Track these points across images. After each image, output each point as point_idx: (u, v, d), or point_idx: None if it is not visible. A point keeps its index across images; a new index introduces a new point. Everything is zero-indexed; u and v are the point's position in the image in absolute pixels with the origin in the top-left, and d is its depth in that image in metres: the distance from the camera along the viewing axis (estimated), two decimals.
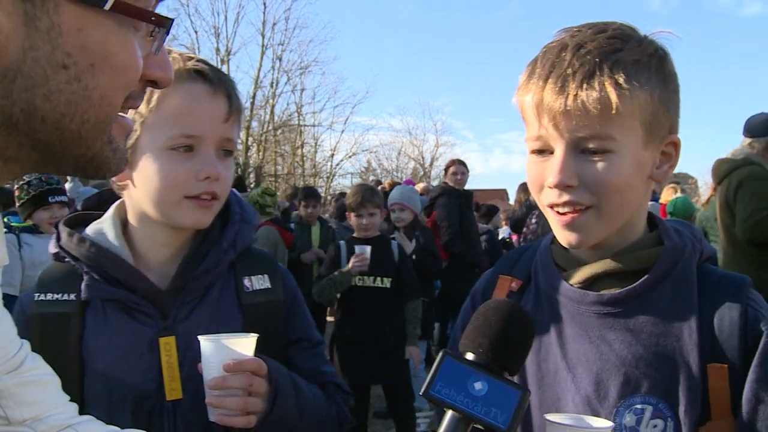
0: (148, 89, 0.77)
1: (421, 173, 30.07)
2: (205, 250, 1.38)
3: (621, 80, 1.00)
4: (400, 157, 31.80)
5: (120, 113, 0.71)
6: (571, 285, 1.13)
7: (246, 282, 1.42)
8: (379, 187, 8.44)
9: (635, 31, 1.09)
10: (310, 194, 6.97)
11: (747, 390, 1.01)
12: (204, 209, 1.31)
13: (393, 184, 7.74)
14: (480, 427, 0.86)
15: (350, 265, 4.27)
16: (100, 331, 1.30)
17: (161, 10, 0.72)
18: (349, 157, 29.30)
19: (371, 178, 26.65)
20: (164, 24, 0.70)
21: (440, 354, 0.88)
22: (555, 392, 1.12)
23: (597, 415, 1.05)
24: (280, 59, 26.38)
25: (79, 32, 0.62)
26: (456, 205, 6.29)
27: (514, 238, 9.09)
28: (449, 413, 0.86)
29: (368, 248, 4.29)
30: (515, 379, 1.01)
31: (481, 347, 0.87)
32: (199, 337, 1.22)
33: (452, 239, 6.15)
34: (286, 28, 26.18)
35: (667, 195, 7.70)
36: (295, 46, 26.93)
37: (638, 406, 1.05)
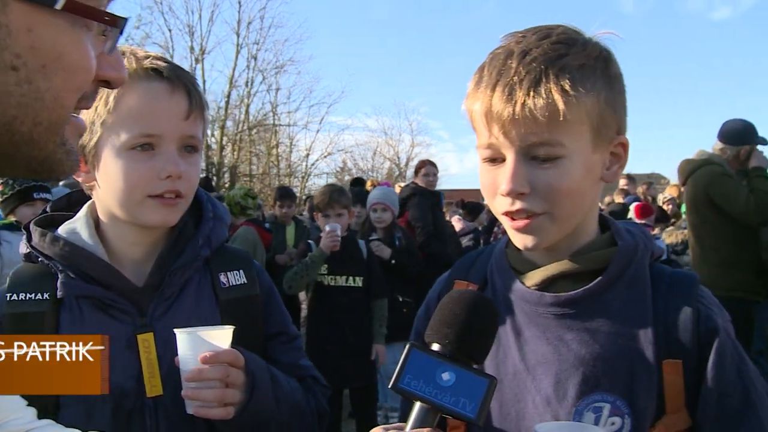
0: (105, 89, 0.75)
1: (397, 173, 30.00)
2: (180, 247, 1.38)
3: (567, 86, 1.01)
4: (375, 157, 31.58)
5: (72, 114, 0.69)
6: (528, 287, 1.14)
7: (222, 278, 1.43)
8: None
9: (579, 34, 1.09)
10: (285, 194, 6.97)
11: (709, 385, 1.04)
12: (169, 207, 1.31)
13: (374, 185, 7.73)
14: (449, 416, 0.89)
15: (321, 243, 4.23)
16: (75, 329, 1.29)
17: (115, 8, 0.70)
18: (325, 156, 29.07)
19: (346, 177, 26.56)
20: (117, 23, 0.68)
21: (407, 346, 0.90)
22: (515, 394, 1.12)
23: (557, 416, 1.07)
24: (255, 58, 26.09)
25: (29, 32, 0.59)
26: (428, 205, 6.31)
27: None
28: (417, 404, 0.88)
29: (338, 225, 4.27)
30: None
31: (446, 338, 0.89)
32: (175, 330, 1.23)
33: (427, 240, 6.15)
34: (262, 27, 25.90)
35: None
36: (270, 45, 26.65)
37: (597, 405, 1.06)
